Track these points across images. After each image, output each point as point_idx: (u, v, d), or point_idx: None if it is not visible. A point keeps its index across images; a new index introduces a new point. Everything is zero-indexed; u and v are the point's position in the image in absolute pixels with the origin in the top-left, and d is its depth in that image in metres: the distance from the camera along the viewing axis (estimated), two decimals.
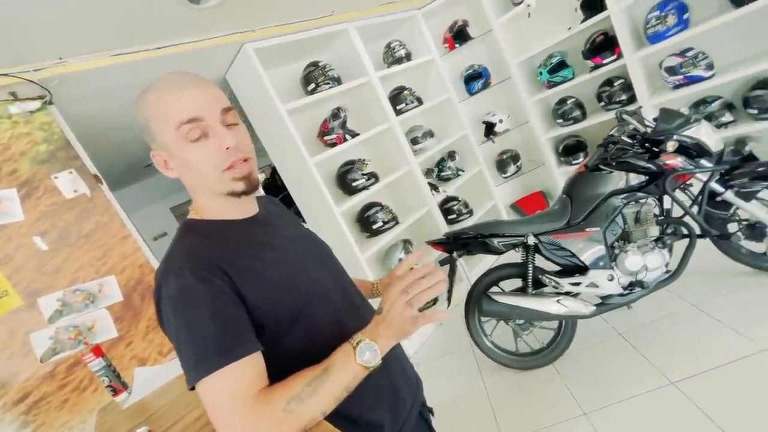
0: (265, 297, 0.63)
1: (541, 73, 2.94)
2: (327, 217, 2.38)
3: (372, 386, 0.68)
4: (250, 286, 0.61)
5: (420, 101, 2.91)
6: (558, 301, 1.77)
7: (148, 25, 1.62)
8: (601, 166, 1.78)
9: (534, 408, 1.74)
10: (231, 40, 1.98)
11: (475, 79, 3.16)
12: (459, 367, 2.22)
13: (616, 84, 2.66)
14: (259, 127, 2.60)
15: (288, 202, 3.42)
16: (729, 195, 1.69)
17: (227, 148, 0.63)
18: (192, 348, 0.57)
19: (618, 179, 1.76)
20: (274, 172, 5.12)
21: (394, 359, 0.77)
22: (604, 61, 2.60)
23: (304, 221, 0.87)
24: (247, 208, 0.73)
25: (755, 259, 1.82)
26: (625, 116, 1.76)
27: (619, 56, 2.54)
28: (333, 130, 2.50)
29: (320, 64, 2.47)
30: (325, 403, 0.58)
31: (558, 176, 3.18)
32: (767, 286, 1.76)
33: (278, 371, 0.61)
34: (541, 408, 1.72)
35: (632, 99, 2.64)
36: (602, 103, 2.77)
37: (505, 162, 3.34)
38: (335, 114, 2.52)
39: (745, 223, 1.78)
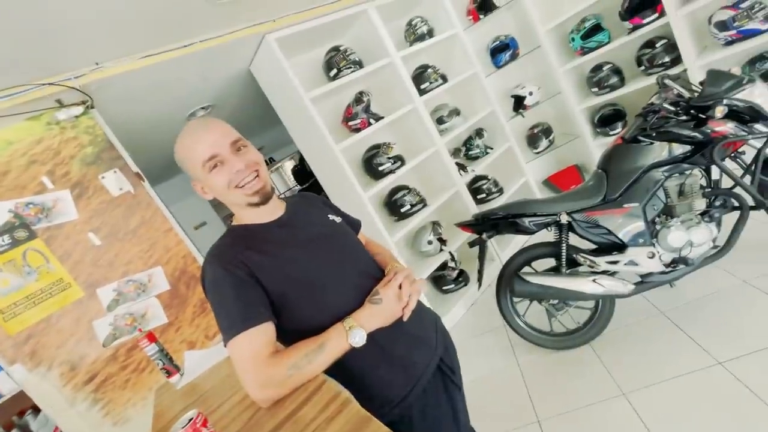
0: (275, 283, 0.81)
1: (573, 39, 2.77)
2: (355, 202, 2.41)
3: (386, 356, 0.86)
4: (263, 274, 0.80)
5: (444, 79, 2.83)
6: (594, 280, 1.71)
7: (172, 24, 1.67)
8: (640, 137, 1.67)
9: (570, 387, 1.72)
10: (252, 32, 2.00)
11: (502, 50, 3.03)
12: (492, 346, 2.22)
13: (658, 45, 2.46)
14: (285, 116, 2.63)
15: (317, 187, 3.49)
16: None
17: (237, 171, 0.83)
18: (223, 319, 0.79)
19: (659, 150, 1.65)
20: (302, 159, 5.20)
21: (402, 335, 0.90)
22: (645, 21, 2.41)
23: (333, 209, 1.03)
24: (270, 213, 0.91)
25: None
26: (667, 81, 1.63)
27: (662, 14, 2.35)
28: (357, 115, 2.50)
29: (341, 48, 2.44)
30: (317, 370, 0.76)
31: (594, 149, 3.03)
32: None
33: (291, 338, 0.80)
34: (577, 388, 1.70)
35: (677, 60, 2.44)
36: (643, 68, 2.58)
37: (537, 136, 3.21)
38: (358, 98, 2.51)
39: None
